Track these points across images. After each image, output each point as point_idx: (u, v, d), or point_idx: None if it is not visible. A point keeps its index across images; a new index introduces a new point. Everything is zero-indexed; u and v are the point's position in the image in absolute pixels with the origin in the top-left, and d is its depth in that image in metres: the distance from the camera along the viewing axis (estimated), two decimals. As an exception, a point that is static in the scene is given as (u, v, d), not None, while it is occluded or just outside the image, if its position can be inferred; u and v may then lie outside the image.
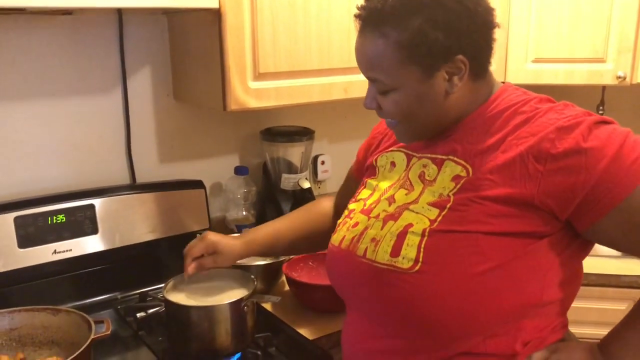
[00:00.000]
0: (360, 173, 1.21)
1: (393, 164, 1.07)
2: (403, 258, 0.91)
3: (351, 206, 1.09)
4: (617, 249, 0.94)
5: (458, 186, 0.92)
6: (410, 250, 0.91)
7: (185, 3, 1.26)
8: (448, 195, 0.93)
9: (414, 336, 0.95)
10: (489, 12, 0.94)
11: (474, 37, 0.92)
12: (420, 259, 0.90)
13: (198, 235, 1.25)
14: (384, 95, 0.97)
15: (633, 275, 1.64)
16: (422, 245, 0.90)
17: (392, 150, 1.09)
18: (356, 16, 0.97)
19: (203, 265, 1.21)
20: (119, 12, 1.53)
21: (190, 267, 1.20)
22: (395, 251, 0.92)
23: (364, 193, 1.10)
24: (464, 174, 0.93)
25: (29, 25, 1.44)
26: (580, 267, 1.00)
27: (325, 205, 1.34)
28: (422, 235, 0.91)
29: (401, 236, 0.93)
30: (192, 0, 1.27)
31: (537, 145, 0.88)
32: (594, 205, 0.86)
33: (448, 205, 0.91)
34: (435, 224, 0.91)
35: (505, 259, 0.88)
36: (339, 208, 1.28)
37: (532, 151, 0.88)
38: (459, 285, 0.89)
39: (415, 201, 0.96)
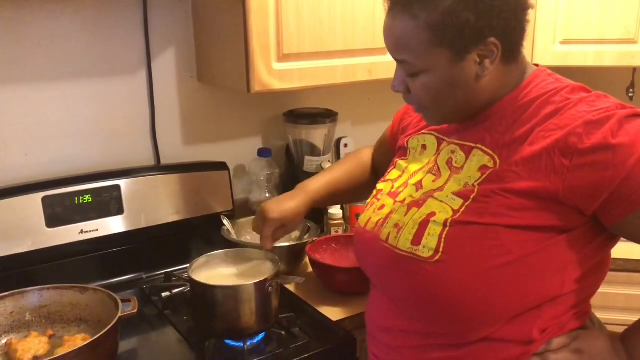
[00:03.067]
0: (393, 138, 1.22)
1: (424, 147, 1.06)
2: (424, 247, 0.91)
3: (379, 186, 1.09)
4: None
5: (484, 177, 0.91)
6: (431, 239, 0.91)
7: (210, -17, 1.26)
8: (473, 185, 0.91)
9: (432, 321, 0.96)
10: None
11: (506, 18, 0.88)
12: (441, 249, 0.89)
13: (256, 210, 1.32)
14: (413, 77, 0.94)
15: (661, 261, 1.62)
16: (443, 236, 0.90)
17: (423, 133, 1.08)
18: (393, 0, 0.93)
19: (277, 238, 1.28)
20: (144, -7, 1.53)
21: (268, 243, 1.26)
22: (417, 239, 0.92)
23: (393, 174, 1.09)
24: (491, 164, 0.92)
25: (56, 8, 1.45)
26: (608, 256, 0.98)
27: (367, 155, 1.37)
28: (444, 225, 0.90)
29: (423, 225, 0.93)
30: (217, -20, 1.27)
31: (564, 139, 0.85)
32: (621, 202, 0.84)
33: (472, 196, 0.90)
34: (458, 214, 0.90)
35: (526, 252, 0.87)
36: (376, 163, 1.34)
37: (559, 145, 0.85)
38: (478, 276, 0.88)
39: (441, 189, 0.96)
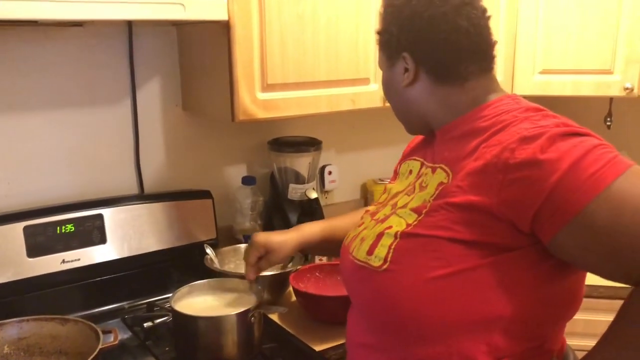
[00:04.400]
0: None
1: (410, 172, 1.10)
2: (375, 257, 0.95)
3: (369, 208, 1.13)
4: (579, 267, 0.90)
5: (437, 192, 0.94)
6: (382, 250, 0.95)
7: (194, 15, 1.27)
8: (428, 201, 0.94)
9: (383, 332, 0.98)
10: (443, 21, 0.95)
11: (419, 40, 0.97)
12: (389, 259, 0.93)
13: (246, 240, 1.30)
14: None
15: (642, 287, 1.63)
16: (393, 246, 0.93)
17: (413, 159, 1.12)
18: None
19: (261, 269, 1.27)
20: (129, 23, 1.55)
21: (250, 275, 1.26)
22: (371, 250, 0.97)
23: (382, 197, 1.13)
24: (446, 180, 0.94)
25: (41, 37, 1.45)
26: (571, 294, 0.95)
27: None
28: (395, 237, 0.94)
29: (379, 237, 0.97)
30: (202, 12, 1.28)
31: (499, 154, 0.86)
32: (548, 220, 0.82)
33: (424, 211, 0.93)
34: (410, 227, 0.93)
35: (466, 267, 0.88)
36: None
37: (494, 160, 0.87)
38: (419, 286, 0.90)
39: (405, 206, 0.99)
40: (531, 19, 1.86)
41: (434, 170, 1.00)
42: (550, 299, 0.92)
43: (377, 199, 1.29)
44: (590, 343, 1.13)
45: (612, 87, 1.83)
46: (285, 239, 1.27)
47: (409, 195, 1.02)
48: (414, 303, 0.91)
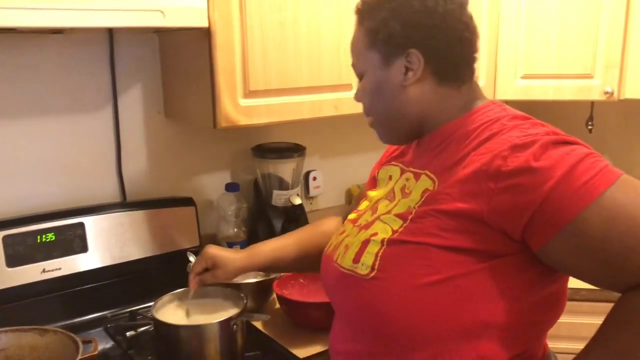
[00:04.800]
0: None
1: (390, 177, 1.09)
2: (362, 264, 0.94)
3: (350, 216, 1.12)
4: (569, 274, 0.91)
5: (422, 199, 0.94)
6: (368, 257, 0.94)
7: (174, 22, 1.27)
8: (413, 208, 0.94)
9: (371, 340, 0.97)
10: (455, 18, 0.96)
11: (432, 36, 0.95)
12: (376, 267, 0.92)
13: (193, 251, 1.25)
14: (360, 81, 1.04)
15: (624, 290, 1.65)
16: (380, 254, 0.93)
17: (392, 164, 1.12)
18: (355, 11, 1.04)
19: (203, 280, 1.23)
20: (110, 31, 1.54)
21: (192, 284, 1.22)
22: (357, 258, 0.96)
23: (363, 205, 1.12)
24: (431, 187, 0.94)
25: (20, 45, 1.44)
26: (556, 294, 0.95)
27: (330, 224, 1.33)
28: (382, 244, 0.93)
29: (364, 244, 0.96)
30: (181, 19, 1.28)
31: (490, 162, 0.86)
32: (540, 227, 0.83)
33: (410, 217, 0.93)
34: (396, 234, 0.93)
35: (455, 274, 0.88)
36: None
37: (484, 168, 0.87)
38: (408, 293, 0.89)
39: (389, 212, 0.98)
40: (513, 25, 1.87)
41: (417, 176, 0.99)
42: (536, 305, 0.93)
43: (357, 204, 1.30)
44: (574, 345, 1.13)
45: (592, 91, 1.85)
46: (234, 257, 1.23)
47: (390, 202, 1.02)
48: (403, 310, 0.90)
